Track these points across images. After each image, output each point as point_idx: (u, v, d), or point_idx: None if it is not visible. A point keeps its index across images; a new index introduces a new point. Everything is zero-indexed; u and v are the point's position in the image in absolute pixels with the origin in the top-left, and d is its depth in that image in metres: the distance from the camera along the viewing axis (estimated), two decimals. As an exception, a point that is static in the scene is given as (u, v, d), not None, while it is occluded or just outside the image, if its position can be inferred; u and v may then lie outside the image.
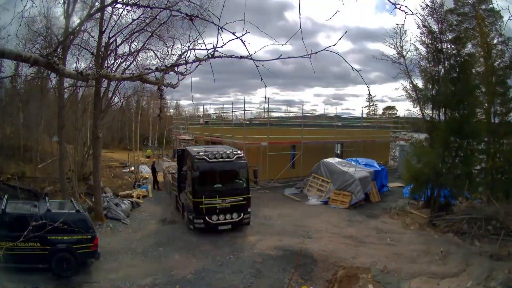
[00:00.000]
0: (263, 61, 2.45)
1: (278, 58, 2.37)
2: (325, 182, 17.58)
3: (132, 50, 14.26)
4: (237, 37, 2.34)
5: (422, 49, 14.22)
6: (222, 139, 23.38)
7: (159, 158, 33.41)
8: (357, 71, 2.41)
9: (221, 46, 2.60)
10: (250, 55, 2.42)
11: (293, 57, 2.43)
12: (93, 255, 9.11)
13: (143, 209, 15.37)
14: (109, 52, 13.58)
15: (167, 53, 13.66)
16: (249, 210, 12.30)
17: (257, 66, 2.46)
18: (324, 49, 2.31)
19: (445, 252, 9.98)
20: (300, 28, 2.25)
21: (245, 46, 2.37)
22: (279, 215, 14.58)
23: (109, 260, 9.69)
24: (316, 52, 2.29)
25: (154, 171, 20.06)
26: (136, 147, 31.06)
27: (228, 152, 12.24)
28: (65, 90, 14.08)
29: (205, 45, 2.69)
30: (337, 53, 2.28)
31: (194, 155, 11.86)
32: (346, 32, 2.30)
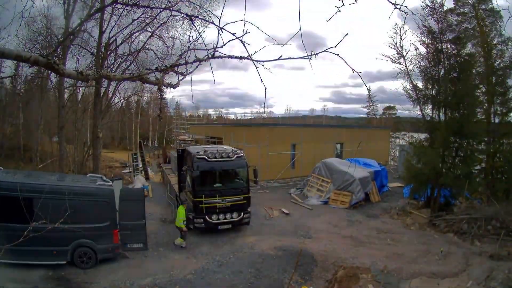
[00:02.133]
0: (262, 61, 2.44)
1: (278, 59, 2.36)
2: (325, 182, 17.57)
3: (132, 50, 14.28)
4: (237, 38, 2.34)
5: (422, 49, 14.25)
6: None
7: (158, 158, 33.50)
8: (358, 73, 2.41)
9: (221, 46, 2.60)
10: (250, 56, 2.42)
11: (293, 58, 2.42)
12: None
13: (143, 209, 15.33)
14: (109, 52, 13.61)
15: (167, 53, 13.70)
16: (249, 209, 12.26)
17: (257, 67, 2.45)
18: (325, 50, 2.30)
19: (445, 252, 9.98)
20: (300, 29, 2.25)
21: (245, 46, 2.38)
22: (279, 215, 14.60)
23: (109, 260, 9.68)
24: (317, 54, 2.28)
25: None
26: (136, 147, 31.11)
27: (228, 151, 12.17)
28: (65, 90, 14.12)
29: (205, 46, 2.69)
30: (337, 54, 2.27)
31: (194, 155, 11.81)
32: (347, 34, 2.29)
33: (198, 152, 11.93)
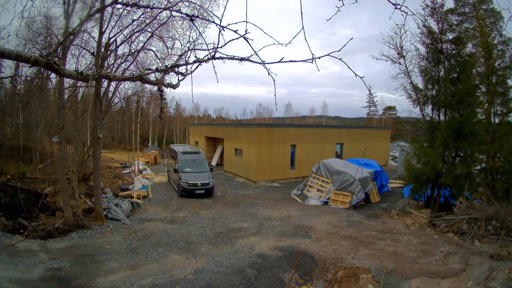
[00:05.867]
0: (264, 63, 2.43)
1: (279, 62, 2.34)
2: (325, 183, 17.57)
3: (132, 51, 14.26)
4: (241, 36, 2.32)
5: (422, 49, 14.24)
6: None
7: (157, 158, 33.59)
8: (361, 77, 2.39)
9: (222, 47, 2.58)
10: (253, 55, 2.40)
11: (295, 61, 2.40)
12: None
13: (143, 209, 15.37)
14: (109, 52, 13.57)
15: (167, 53, 13.67)
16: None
17: (268, 70, 2.42)
18: (328, 55, 2.28)
19: (445, 252, 9.98)
20: (303, 27, 2.24)
21: (249, 44, 2.36)
22: (279, 216, 14.61)
23: (109, 260, 9.69)
24: (319, 57, 2.26)
25: None
26: (136, 148, 31.06)
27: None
28: (65, 90, 14.06)
29: (207, 45, 2.67)
30: (340, 59, 2.25)
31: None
32: (351, 38, 2.27)
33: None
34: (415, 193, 15.21)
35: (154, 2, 11.72)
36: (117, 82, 13.89)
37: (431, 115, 14.44)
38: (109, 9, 12.07)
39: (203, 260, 9.83)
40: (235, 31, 2.31)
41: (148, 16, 12.94)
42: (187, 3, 10.98)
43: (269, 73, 2.46)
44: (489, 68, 14.21)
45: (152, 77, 2.97)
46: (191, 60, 2.77)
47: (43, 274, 8.49)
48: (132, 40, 13.99)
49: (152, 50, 14.40)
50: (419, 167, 14.11)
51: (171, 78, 3.23)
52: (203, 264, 9.54)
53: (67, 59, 13.24)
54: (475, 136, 13.22)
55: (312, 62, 2.26)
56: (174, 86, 3.01)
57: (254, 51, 2.35)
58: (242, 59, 2.48)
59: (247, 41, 2.34)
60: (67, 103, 14.82)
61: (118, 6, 10.68)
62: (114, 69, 14.07)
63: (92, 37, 13.96)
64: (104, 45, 13.23)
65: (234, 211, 15.32)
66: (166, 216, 14.34)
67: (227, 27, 2.37)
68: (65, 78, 12.07)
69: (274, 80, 2.57)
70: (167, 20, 12.95)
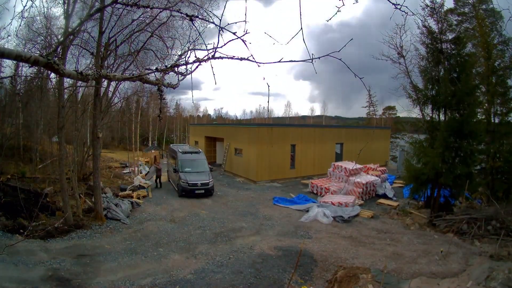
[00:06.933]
0: (263, 63, 2.44)
1: (279, 62, 2.35)
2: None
3: (132, 50, 14.24)
4: (238, 37, 2.33)
5: (422, 49, 14.23)
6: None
7: (156, 158, 33.63)
8: (360, 78, 2.40)
9: (221, 47, 2.59)
10: (252, 55, 2.40)
11: (294, 61, 2.41)
12: None
13: (143, 209, 15.36)
14: (109, 52, 13.57)
15: (167, 53, 13.67)
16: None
17: (258, 65, 2.43)
18: (327, 55, 2.28)
19: (445, 252, 9.98)
20: (301, 28, 2.24)
21: (246, 46, 2.36)
22: (279, 215, 14.61)
23: (109, 260, 9.68)
24: (319, 57, 2.26)
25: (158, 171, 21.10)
26: (136, 148, 31.07)
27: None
28: (65, 90, 14.04)
29: (206, 46, 2.68)
30: (340, 59, 2.26)
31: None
32: (351, 39, 2.28)
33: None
34: (415, 193, 15.19)
35: (154, 2, 11.72)
36: (117, 82, 13.89)
37: (431, 115, 14.43)
38: (109, 9, 12.06)
39: (203, 260, 9.83)
40: (234, 33, 2.32)
41: (148, 16, 12.95)
42: (187, 3, 10.99)
43: (263, 78, 2.47)
44: (489, 68, 14.20)
45: (152, 77, 2.97)
46: (191, 60, 2.77)
47: (43, 274, 8.49)
48: (132, 40, 13.98)
49: (152, 50, 14.40)
50: (419, 167, 14.10)
51: (171, 78, 3.24)
52: (202, 264, 9.55)
53: (67, 59, 13.24)
54: (475, 136, 13.20)
55: (311, 62, 2.27)
56: (174, 86, 3.01)
57: (250, 54, 2.35)
58: (241, 59, 2.48)
59: (244, 43, 2.34)
60: (67, 103, 14.80)
61: (118, 6, 10.66)
62: (114, 69, 14.07)
63: (92, 37, 13.95)
64: (104, 45, 13.23)
65: (234, 211, 15.33)
66: (166, 216, 14.34)
67: (225, 28, 2.38)
68: (65, 78, 12.07)
69: (268, 86, 2.57)
70: (167, 20, 12.96)
